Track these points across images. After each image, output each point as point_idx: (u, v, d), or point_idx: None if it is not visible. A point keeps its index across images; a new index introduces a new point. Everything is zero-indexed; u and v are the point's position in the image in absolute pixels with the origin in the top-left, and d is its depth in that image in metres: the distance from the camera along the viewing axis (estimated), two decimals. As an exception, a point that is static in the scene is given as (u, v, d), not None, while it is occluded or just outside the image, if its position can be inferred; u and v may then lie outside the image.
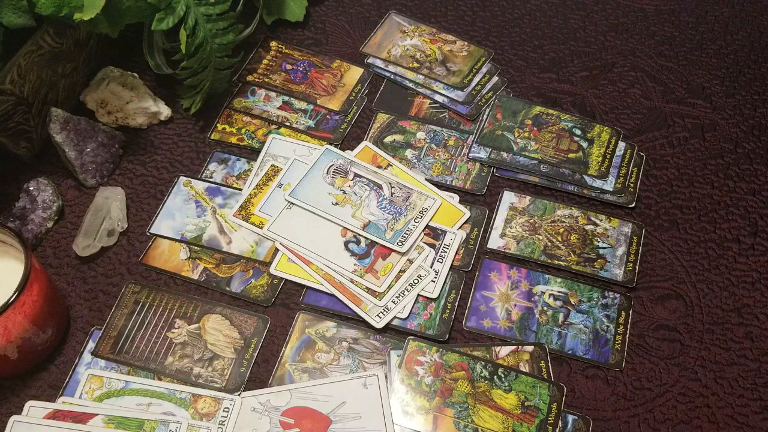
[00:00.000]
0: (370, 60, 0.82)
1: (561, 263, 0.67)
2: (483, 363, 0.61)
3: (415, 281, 0.65)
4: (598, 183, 0.72)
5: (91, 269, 0.68)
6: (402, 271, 0.66)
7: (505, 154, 0.74)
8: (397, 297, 0.64)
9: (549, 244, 0.68)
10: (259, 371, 0.62)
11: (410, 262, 0.66)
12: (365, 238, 0.68)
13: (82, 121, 0.72)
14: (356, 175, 0.71)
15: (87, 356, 0.62)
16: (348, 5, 0.88)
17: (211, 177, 0.73)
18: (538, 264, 0.67)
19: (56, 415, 0.58)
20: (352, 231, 0.68)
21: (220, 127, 0.77)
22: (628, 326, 0.64)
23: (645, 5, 0.88)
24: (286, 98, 0.79)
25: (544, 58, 0.83)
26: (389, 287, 0.65)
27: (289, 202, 0.70)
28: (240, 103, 0.79)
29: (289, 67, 0.82)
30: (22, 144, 0.70)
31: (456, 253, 0.68)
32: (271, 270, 0.67)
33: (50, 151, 0.74)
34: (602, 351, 0.62)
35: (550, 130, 0.76)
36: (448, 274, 0.66)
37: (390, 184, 0.71)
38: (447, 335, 0.63)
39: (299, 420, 0.59)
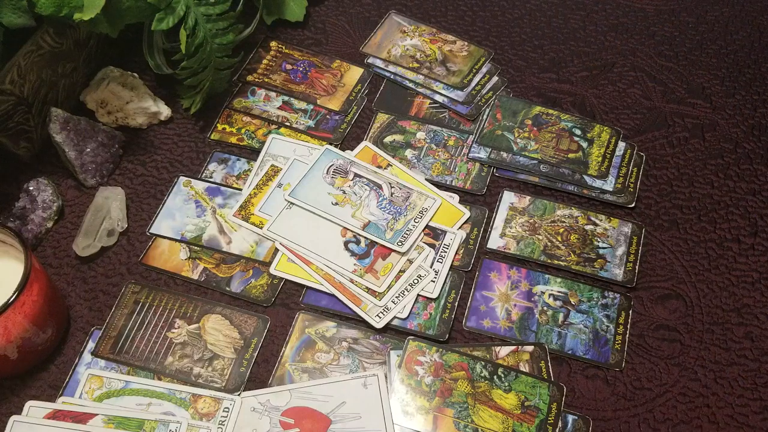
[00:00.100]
0: (370, 60, 0.82)
1: (561, 263, 0.67)
2: (483, 363, 0.61)
3: (415, 281, 0.65)
4: (598, 183, 0.72)
5: (91, 269, 0.68)
6: (402, 271, 0.66)
7: (505, 154, 0.74)
8: (397, 297, 0.64)
9: (549, 244, 0.68)
10: (259, 371, 0.62)
11: (410, 262, 0.66)
12: (365, 238, 0.68)
13: (82, 121, 0.72)
14: (356, 175, 0.71)
15: (87, 356, 0.62)
16: (348, 5, 0.88)
17: (211, 177, 0.73)
18: (538, 264, 0.67)
19: (56, 415, 0.58)
20: (352, 231, 0.68)
21: (220, 127, 0.77)
22: (628, 326, 0.64)
23: (645, 5, 0.88)
24: (286, 98, 0.79)
25: (544, 58, 0.83)
26: (389, 287, 0.65)
27: (289, 202, 0.70)
28: (240, 103, 0.79)
29: (289, 67, 0.82)
30: (22, 144, 0.70)
31: (456, 253, 0.68)
32: (271, 270, 0.67)
33: (50, 151, 0.74)
34: (602, 351, 0.62)
35: (550, 130, 0.76)
36: (448, 274, 0.66)
37: (390, 184, 0.71)
38: (447, 335, 0.63)
39: (299, 420, 0.58)
